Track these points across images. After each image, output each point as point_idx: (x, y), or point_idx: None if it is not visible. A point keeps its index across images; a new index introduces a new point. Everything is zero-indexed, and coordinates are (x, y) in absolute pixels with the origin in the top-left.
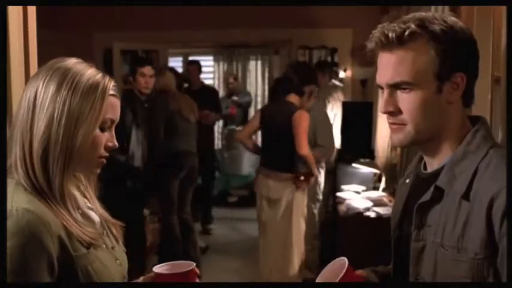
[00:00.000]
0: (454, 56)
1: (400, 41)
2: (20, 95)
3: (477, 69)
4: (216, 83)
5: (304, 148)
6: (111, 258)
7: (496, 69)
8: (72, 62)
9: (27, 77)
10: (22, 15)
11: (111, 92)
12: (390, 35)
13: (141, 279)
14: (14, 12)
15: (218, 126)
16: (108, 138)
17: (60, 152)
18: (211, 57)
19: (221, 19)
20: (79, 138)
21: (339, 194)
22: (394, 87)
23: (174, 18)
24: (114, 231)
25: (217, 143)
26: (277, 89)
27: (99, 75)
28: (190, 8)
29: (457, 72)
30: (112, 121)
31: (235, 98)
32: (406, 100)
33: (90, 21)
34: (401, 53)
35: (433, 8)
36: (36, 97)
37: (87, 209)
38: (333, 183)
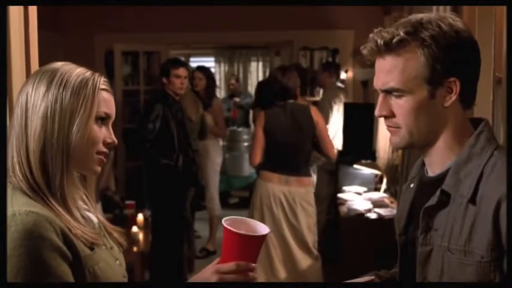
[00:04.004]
0: (446, 61)
1: (388, 48)
2: None
3: (474, 72)
4: (217, 84)
5: None
6: (111, 258)
7: (498, 70)
8: (60, 64)
9: None
10: (23, 16)
11: (103, 87)
12: (379, 41)
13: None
14: (15, 14)
15: None
16: (106, 135)
17: (58, 150)
18: (212, 59)
19: (222, 20)
20: (75, 134)
21: (340, 195)
22: (387, 92)
23: (175, 19)
24: (115, 235)
25: None
26: None
27: (88, 72)
28: (192, 9)
29: (450, 77)
30: (108, 115)
31: (236, 99)
32: (399, 105)
33: (91, 22)
34: (392, 60)
35: (434, 8)
36: (27, 100)
37: (84, 210)
38: (334, 185)
